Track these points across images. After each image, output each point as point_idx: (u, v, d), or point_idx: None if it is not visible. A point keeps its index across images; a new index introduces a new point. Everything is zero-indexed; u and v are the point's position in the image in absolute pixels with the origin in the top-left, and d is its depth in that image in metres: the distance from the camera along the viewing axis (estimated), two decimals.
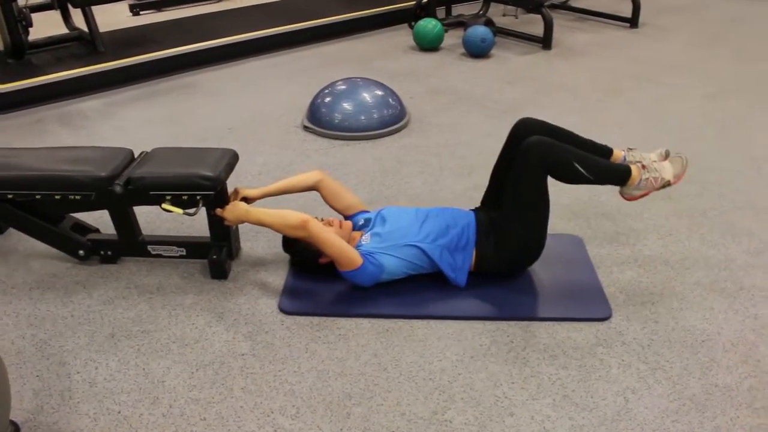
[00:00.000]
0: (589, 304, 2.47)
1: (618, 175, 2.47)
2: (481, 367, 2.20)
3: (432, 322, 2.40)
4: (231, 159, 2.63)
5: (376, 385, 2.14)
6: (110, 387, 2.16)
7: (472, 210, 2.66)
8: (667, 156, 2.58)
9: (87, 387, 2.16)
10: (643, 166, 2.48)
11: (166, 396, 2.12)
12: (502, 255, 2.50)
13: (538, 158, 2.37)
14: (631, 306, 2.48)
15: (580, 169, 2.39)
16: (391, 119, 3.95)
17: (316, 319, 2.43)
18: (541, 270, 2.63)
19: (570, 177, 2.43)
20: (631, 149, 2.62)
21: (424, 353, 2.26)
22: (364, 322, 2.41)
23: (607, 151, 2.62)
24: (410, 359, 2.24)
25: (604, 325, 2.39)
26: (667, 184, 2.49)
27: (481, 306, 2.45)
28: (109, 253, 2.74)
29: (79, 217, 2.85)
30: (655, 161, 2.52)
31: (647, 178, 2.46)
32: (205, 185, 2.49)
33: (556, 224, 2.98)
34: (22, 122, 4.22)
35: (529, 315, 2.42)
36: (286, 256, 2.70)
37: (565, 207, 3.13)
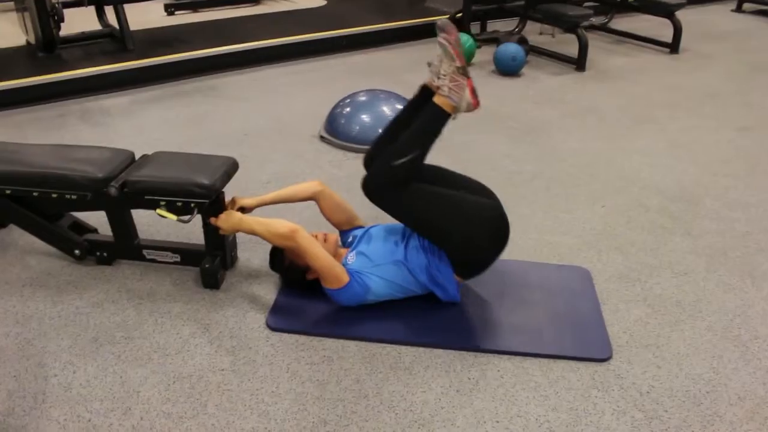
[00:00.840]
0: (589, 342, 2.34)
1: (434, 119, 2.30)
2: (467, 402, 2.09)
3: (421, 349, 2.30)
4: (229, 168, 2.57)
5: (354, 413, 2.05)
6: (84, 393, 2.11)
7: None
8: (432, 62, 2.36)
9: (62, 391, 2.12)
10: (437, 87, 2.29)
11: (138, 407, 2.06)
12: (465, 257, 2.38)
13: (377, 192, 2.31)
14: (634, 348, 2.34)
15: (403, 159, 2.26)
16: None
17: (302, 338, 2.35)
18: (542, 302, 2.52)
19: (407, 168, 2.28)
20: (428, 65, 2.38)
21: (409, 382, 2.17)
22: (351, 345, 2.32)
23: (423, 91, 2.41)
24: (393, 388, 2.14)
25: (603, 366, 2.26)
26: (462, 69, 2.28)
27: (475, 336, 2.35)
28: (105, 254, 2.71)
29: (80, 217, 2.83)
30: (438, 67, 2.32)
31: (449, 88, 2.27)
32: (199, 193, 2.44)
33: (564, 254, 2.86)
34: (44, 116, 4.25)
35: (524, 350, 2.30)
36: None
37: (577, 237, 3.00)
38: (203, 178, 2.45)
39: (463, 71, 2.29)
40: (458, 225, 2.33)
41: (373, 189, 2.31)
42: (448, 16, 5.83)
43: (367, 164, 2.50)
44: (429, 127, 2.33)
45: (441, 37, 2.28)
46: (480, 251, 2.38)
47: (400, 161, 2.28)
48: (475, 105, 2.34)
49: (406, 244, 2.42)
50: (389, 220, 3.02)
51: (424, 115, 2.34)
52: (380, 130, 3.70)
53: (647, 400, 2.12)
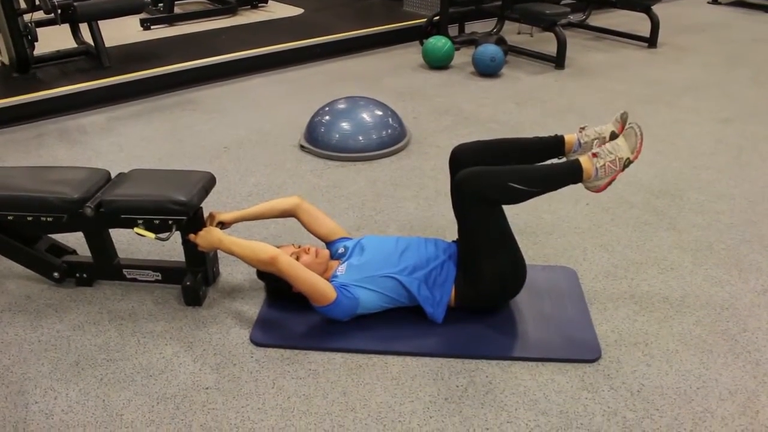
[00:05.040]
0: (577, 343, 2.32)
1: (568, 175, 2.28)
2: (455, 410, 2.07)
3: (408, 358, 2.27)
4: (207, 183, 2.54)
5: (341, 426, 2.01)
6: (66, 420, 2.07)
7: (455, 241, 2.53)
8: (624, 121, 2.36)
9: (43, 418, 2.08)
10: (594, 155, 2.27)
11: (122, 431, 2.02)
12: (478, 290, 2.37)
13: (472, 193, 2.23)
14: (623, 347, 2.32)
15: (520, 186, 2.22)
16: (390, 140, 3.85)
17: (287, 352, 2.32)
18: (528, 304, 2.49)
19: (513, 198, 2.27)
20: (583, 128, 2.42)
21: (396, 393, 2.13)
22: (337, 357, 2.29)
23: (556, 143, 2.43)
24: (381, 399, 2.11)
25: (592, 367, 2.24)
26: (628, 163, 2.27)
27: (462, 343, 2.32)
28: (85, 275, 2.67)
29: (58, 239, 2.79)
30: (605, 138, 2.35)
31: (603, 165, 2.24)
32: (176, 210, 2.40)
33: (549, 255, 2.84)
34: (20, 137, 4.20)
35: (512, 354, 2.27)
36: (264, 284, 2.59)
37: (561, 237, 2.99)
38: (180, 194, 2.41)
39: (627, 164, 2.28)
40: (498, 262, 2.32)
41: (472, 190, 2.23)
42: (425, 19, 5.82)
43: (459, 158, 2.42)
44: (559, 178, 2.30)
45: (636, 126, 2.27)
46: (502, 288, 2.39)
47: (516, 186, 2.22)
48: (599, 190, 2.32)
49: (401, 256, 2.40)
50: (376, 231, 3.01)
51: (560, 165, 2.31)
52: (361, 138, 3.72)
53: (638, 400, 2.10)
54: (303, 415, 2.05)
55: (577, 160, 2.28)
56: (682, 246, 2.91)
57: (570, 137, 2.42)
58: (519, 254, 2.36)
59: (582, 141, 2.40)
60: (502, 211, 2.31)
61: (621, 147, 2.27)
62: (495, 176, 2.24)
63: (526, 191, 2.23)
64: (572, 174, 2.27)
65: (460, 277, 2.37)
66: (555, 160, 2.43)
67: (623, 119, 2.37)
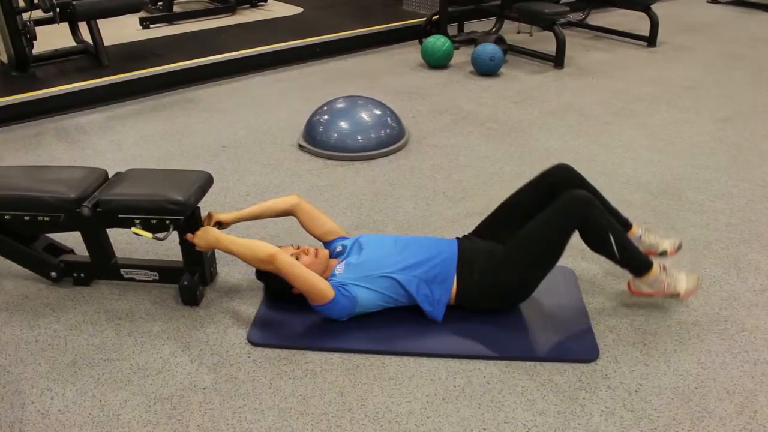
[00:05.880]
0: (575, 343, 2.32)
1: (640, 265, 2.40)
2: (453, 410, 2.06)
3: (405, 358, 2.27)
4: (204, 183, 2.53)
5: (338, 427, 2.01)
6: (63, 419, 2.06)
7: (457, 238, 2.52)
8: (679, 247, 2.65)
9: (39, 419, 2.07)
10: (664, 268, 2.41)
11: (118, 431, 2.02)
12: (490, 292, 2.37)
13: (582, 214, 2.28)
14: (621, 347, 2.32)
15: (613, 243, 2.31)
16: (389, 139, 3.84)
17: (285, 352, 2.31)
18: (526, 304, 2.49)
19: (599, 245, 2.35)
20: (648, 230, 2.65)
21: (393, 393, 2.13)
22: (335, 357, 2.28)
23: (626, 224, 2.59)
24: (378, 399, 2.11)
25: (590, 367, 2.23)
26: (676, 296, 2.43)
27: (459, 343, 2.31)
28: (82, 275, 2.66)
29: (55, 238, 2.78)
30: (657, 249, 2.61)
31: (661, 280, 2.40)
32: (173, 210, 2.39)
33: None
34: (19, 135, 4.19)
35: (510, 354, 2.27)
36: (262, 284, 2.58)
37: None
38: (177, 194, 2.40)
39: (671, 296, 2.45)
40: (534, 273, 2.37)
41: (587, 213, 2.29)
42: (425, 18, 5.81)
43: (565, 174, 2.53)
44: (633, 260, 2.40)
45: (700, 278, 2.50)
46: (510, 295, 2.44)
47: (611, 240, 2.31)
48: (635, 292, 2.48)
49: (400, 254, 2.39)
50: (375, 231, 3.00)
51: (642, 254, 2.42)
52: (359, 137, 3.71)
53: (636, 400, 2.09)
54: (300, 416, 2.05)
55: (652, 262, 2.40)
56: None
57: (635, 228, 2.63)
58: (545, 275, 2.41)
59: (641, 239, 2.61)
60: (567, 241, 2.36)
61: (681, 280, 2.43)
62: (606, 219, 2.34)
63: (612, 250, 2.32)
64: (643, 267, 2.39)
65: (465, 275, 2.36)
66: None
67: (679, 245, 2.66)
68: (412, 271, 2.35)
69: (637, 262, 2.39)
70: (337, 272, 2.39)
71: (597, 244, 2.35)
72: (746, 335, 2.37)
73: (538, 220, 2.34)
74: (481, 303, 2.40)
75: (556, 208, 2.32)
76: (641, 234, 2.62)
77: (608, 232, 2.31)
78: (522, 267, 2.35)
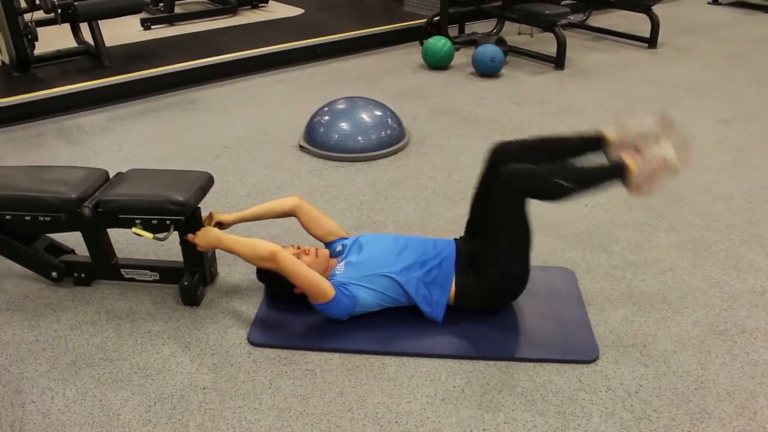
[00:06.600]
0: (575, 344, 2.32)
1: (613, 174, 2.27)
2: (452, 411, 2.06)
3: (405, 359, 2.27)
4: (204, 183, 2.54)
5: (338, 427, 2.01)
6: (63, 419, 2.07)
7: (455, 239, 2.53)
8: (666, 119, 2.36)
9: (40, 418, 2.07)
10: (636, 149, 2.26)
11: (118, 431, 2.02)
12: (483, 288, 2.37)
13: (519, 188, 2.25)
14: (621, 347, 2.32)
15: (567, 184, 2.23)
16: (389, 140, 3.84)
17: (285, 353, 2.31)
18: (526, 306, 2.49)
19: (558, 195, 2.28)
20: (623, 124, 2.40)
21: (393, 393, 2.13)
22: (334, 357, 2.29)
23: (597, 140, 2.41)
24: (378, 399, 2.11)
25: (590, 368, 2.23)
26: (674, 167, 2.27)
27: (459, 344, 2.32)
28: (83, 275, 2.67)
29: (56, 238, 2.79)
30: (648, 136, 2.33)
31: (646, 164, 2.24)
32: (174, 210, 2.40)
33: (548, 256, 2.84)
34: (21, 136, 4.20)
35: (509, 355, 2.27)
36: (262, 284, 2.58)
37: (560, 238, 2.98)
38: (177, 194, 2.41)
39: (672, 167, 2.27)
40: (514, 261, 2.33)
41: (516, 184, 2.23)
42: (425, 19, 5.82)
43: (501, 154, 2.41)
44: (599, 179, 2.30)
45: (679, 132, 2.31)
46: (504, 291, 2.40)
47: (563, 183, 2.23)
48: (643, 191, 2.30)
49: (399, 254, 2.40)
50: (375, 231, 3.00)
51: (606, 167, 2.30)
52: (360, 138, 3.71)
53: (635, 400, 2.09)
54: (300, 416, 2.05)
55: (622, 159, 2.27)
56: (681, 247, 2.91)
57: (612, 134, 2.39)
58: (529, 257, 2.36)
59: (624, 138, 2.37)
60: (528, 213, 2.30)
61: (662, 149, 2.27)
62: (544, 173, 2.25)
63: (572, 189, 2.24)
64: (617, 171, 2.27)
65: (462, 275, 2.36)
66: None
67: (666, 121, 2.36)
68: (412, 272, 2.35)
69: (605, 174, 2.28)
70: (337, 272, 2.40)
71: (555, 197, 2.29)
72: (746, 336, 2.37)
73: (491, 210, 2.32)
74: (480, 302, 2.41)
75: (498, 197, 2.29)
76: (621, 135, 2.38)
77: (554, 180, 2.22)
78: (503, 260, 2.32)
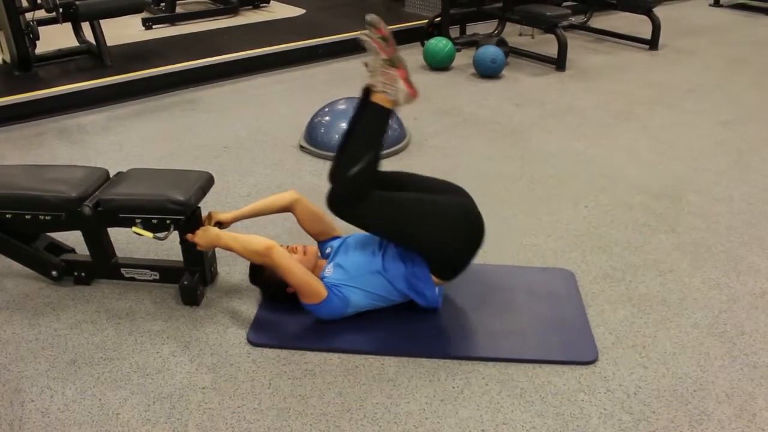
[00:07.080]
0: (574, 345, 2.32)
1: (382, 119, 2.29)
2: (451, 411, 2.06)
3: (404, 359, 2.27)
4: (205, 183, 2.54)
5: (337, 427, 2.01)
6: (62, 418, 2.07)
7: None
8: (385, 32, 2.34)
9: (39, 417, 2.08)
10: (372, 85, 2.26)
11: (117, 430, 2.02)
12: (437, 266, 2.33)
13: (341, 209, 2.27)
14: (620, 349, 2.32)
15: (358, 166, 2.21)
16: (390, 141, 3.83)
17: (284, 353, 2.32)
18: (526, 306, 2.49)
19: (364, 178, 2.25)
20: (372, 71, 2.33)
21: (392, 394, 2.13)
22: (334, 357, 2.29)
23: (365, 92, 2.37)
24: (377, 400, 2.11)
25: (589, 369, 2.23)
26: (387, 60, 2.26)
27: (459, 344, 2.32)
28: (83, 274, 2.67)
29: (56, 237, 2.79)
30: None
31: (382, 81, 2.25)
32: (174, 209, 2.40)
33: (547, 257, 2.84)
34: (21, 135, 4.20)
35: (508, 356, 2.27)
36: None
37: (560, 239, 2.98)
38: (178, 194, 2.41)
39: (392, 63, 2.26)
40: (429, 227, 2.30)
41: (336, 203, 2.27)
42: (427, 20, 5.82)
43: (332, 178, 2.41)
44: (373, 128, 2.30)
45: (363, 34, 2.26)
46: (455, 251, 2.33)
47: (355, 169, 2.23)
48: (412, 94, 2.31)
49: (384, 252, 2.39)
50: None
51: (365, 117, 2.31)
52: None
53: (634, 402, 2.09)
54: (299, 416, 2.05)
55: (371, 103, 2.27)
56: (681, 248, 2.91)
57: (370, 81, 2.34)
58: (439, 201, 2.31)
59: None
60: (384, 189, 2.28)
61: (372, 59, 2.27)
62: (339, 178, 2.26)
63: (366, 162, 2.23)
64: (378, 115, 2.27)
65: (425, 260, 2.34)
66: None
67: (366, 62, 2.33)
68: (398, 267, 2.34)
69: (370, 112, 2.27)
70: (326, 273, 2.40)
71: (366, 173, 2.26)
72: (746, 338, 2.37)
73: (365, 228, 2.38)
74: (450, 269, 2.36)
75: (346, 217, 2.32)
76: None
77: (350, 171, 2.22)
78: (425, 239, 2.30)
